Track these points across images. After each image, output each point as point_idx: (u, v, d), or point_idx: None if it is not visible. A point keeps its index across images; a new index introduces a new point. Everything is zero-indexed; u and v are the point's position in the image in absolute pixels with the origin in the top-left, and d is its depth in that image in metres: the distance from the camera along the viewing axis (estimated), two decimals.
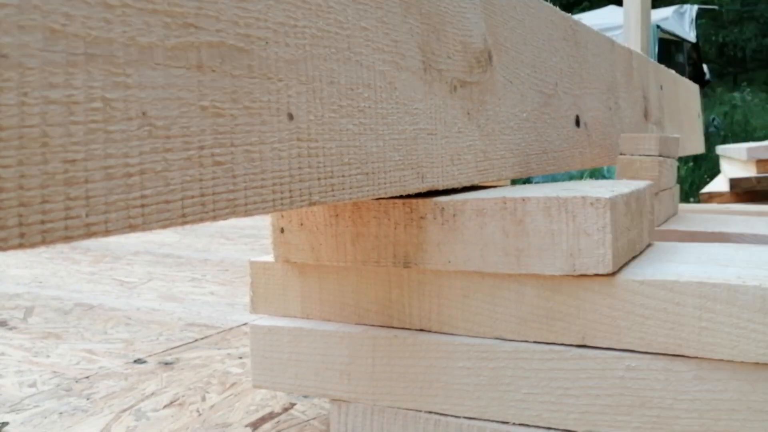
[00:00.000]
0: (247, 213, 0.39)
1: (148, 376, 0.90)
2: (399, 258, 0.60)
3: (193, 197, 0.36)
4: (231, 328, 1.14)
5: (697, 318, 0.51)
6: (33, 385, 0.88)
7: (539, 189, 0.61)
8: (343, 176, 0.48)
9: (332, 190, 0.47)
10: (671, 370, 0.52)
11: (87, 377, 0.90)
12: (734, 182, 2.13)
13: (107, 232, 0.32)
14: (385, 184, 0.53)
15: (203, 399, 0.81)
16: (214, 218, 0.37)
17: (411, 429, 0.62)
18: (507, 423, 0.58)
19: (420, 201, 0.59)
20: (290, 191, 0.43)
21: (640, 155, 0.94)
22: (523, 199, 0.55)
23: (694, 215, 1.13)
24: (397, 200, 0.60)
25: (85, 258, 1.91)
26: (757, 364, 0.50)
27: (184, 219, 0.35)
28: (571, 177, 4.55)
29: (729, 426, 0.51)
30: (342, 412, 0.65)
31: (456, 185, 0.63)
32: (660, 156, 0.96)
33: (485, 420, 0.59)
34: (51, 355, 1.01)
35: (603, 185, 0.63)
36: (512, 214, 0.55)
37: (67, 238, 0.30)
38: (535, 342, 0.57)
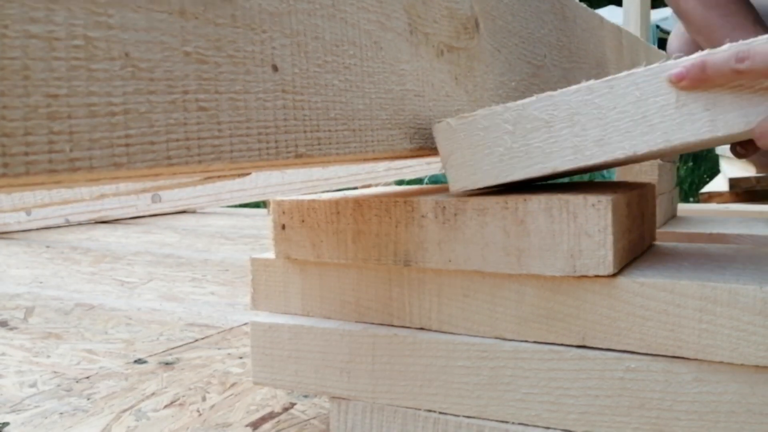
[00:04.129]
0: (233, 160, 0.40)
1: (148, 376, 0.90)
2: (400, 256, 0.60)
3: (178, 140, 0.36)
4: (231, 328, 1.14)
5: (698, 320, 0.51)
6: (33, 385, 0.88)
7: (540, 189, 0.61)
8: (329, 131, 0.48)
9: (319, 144, 0.47)
10: (671, 372, 0.52)
11: (87, 377, 0.90)
12: (734, 182, 2.12)
13: (92, 169, 0.32)
14: (372, 142, 0.53)
15: (203, 399, 0.81)
16: (200, 162, 0.38)
17: (410, 427, 0.62)
18: (506, 422, 0.58)
19: (421, 199, 0.59)
20: (276, 141, 0.43)
21: None
22: (525, 199, 0.55)
23: (693, 216, 1.13)
24: (398, 198, 0.60)
25: (85, 258, 1.91)
26: (756, 366, 0.50)
27: (169, 161, 0.36)
28: (570, 178, 4.55)
29: (728, 428, 0.51)
30: (341, 410, 0.65)
31: None
32: (659, 159, 0.96)
33: (484, 419, 0.59)
34: (51, 355, 1.01)
35: (604, 186, 0.63)
36: (513, 214, 0.55)
37: (52, 172, 0.30)
38: (535, 342, 0.57)
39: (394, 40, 0.56)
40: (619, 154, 0.50)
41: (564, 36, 0.94)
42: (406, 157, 0.60)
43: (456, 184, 0.57)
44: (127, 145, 0.34)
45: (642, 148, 0.50)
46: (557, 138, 0.52)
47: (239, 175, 0.59)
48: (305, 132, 0.46)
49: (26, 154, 0.29)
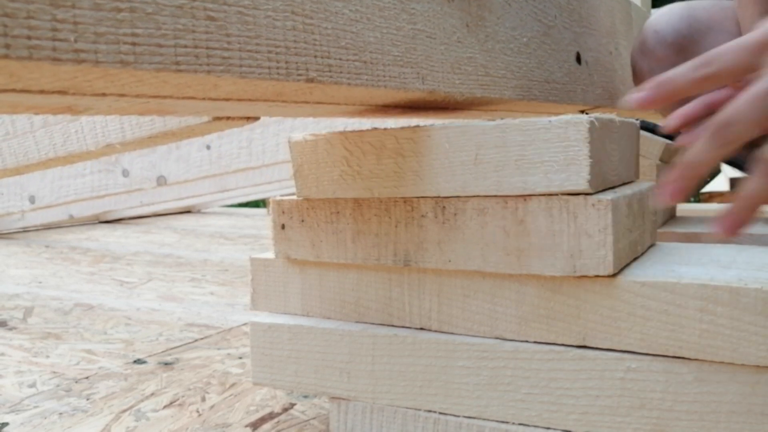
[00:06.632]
0: (243, 75, 0.40)
1: (147, 376, 0.90)
2: (399, 256, 0.60)
3: (186, 47, 0.37)
4: (231, 329, 1.14)
5: (698, 320, 0.51)
6: (33, 385, 0.88)
7: None
8: (340, 59, 0.48)
9: (330, 71, 0.47)
10: (671, 372, 0.52)
11: (87, 377, 0.90)
12: (734, 182, 2.13)
13: (98, 63, 0.32)
14: (384, 77, 0.53)
15: (203, 399, 0.81)
16: (209, 72, 0.38)
17: (410, 428, 0.62)
18: (506, 423, 0.58)
19: (421, 199, 0.59)
20: (286, 63, 0.44)
21: (640, 156, 0.94)
22: (525, 199, 0.55)
23: (693, 216, 1.13)
24: (398, 198, 0.60)
25: (84, 258, 1.91)
26: (757, 366, 0.50)
27: (177, 66, 0.36)
28: None
29: (729, 428, 0.51)
30: (341, 410, 0.65)
31: (458, 95, 0.62)
32: (660, 161, 0.96)
33: (485, 419, 0.59)
34: (51, 355, 1.00)
35: None
36: (513, 214, 0.55)
37: (56, 60, 0.30)
38: (535, 342, 0.57)
39: None
40: (427, 192, 0.59)
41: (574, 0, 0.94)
42: (419, 108, 0.59)
43: (301, 192, 0.65)
44: (133, 44, 0.34)
45: (444, 192, 0.58)
46: (383, 167, 0.60)
47: (248, 119, 0.59)
48: (316, 57, 0.46)
49: (29, 38, 0.29)
